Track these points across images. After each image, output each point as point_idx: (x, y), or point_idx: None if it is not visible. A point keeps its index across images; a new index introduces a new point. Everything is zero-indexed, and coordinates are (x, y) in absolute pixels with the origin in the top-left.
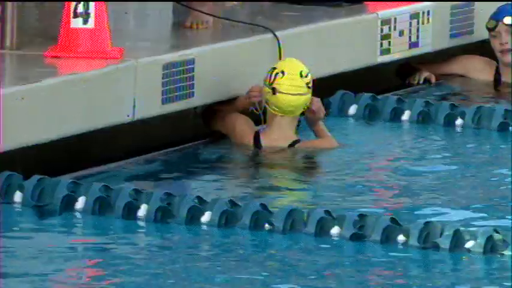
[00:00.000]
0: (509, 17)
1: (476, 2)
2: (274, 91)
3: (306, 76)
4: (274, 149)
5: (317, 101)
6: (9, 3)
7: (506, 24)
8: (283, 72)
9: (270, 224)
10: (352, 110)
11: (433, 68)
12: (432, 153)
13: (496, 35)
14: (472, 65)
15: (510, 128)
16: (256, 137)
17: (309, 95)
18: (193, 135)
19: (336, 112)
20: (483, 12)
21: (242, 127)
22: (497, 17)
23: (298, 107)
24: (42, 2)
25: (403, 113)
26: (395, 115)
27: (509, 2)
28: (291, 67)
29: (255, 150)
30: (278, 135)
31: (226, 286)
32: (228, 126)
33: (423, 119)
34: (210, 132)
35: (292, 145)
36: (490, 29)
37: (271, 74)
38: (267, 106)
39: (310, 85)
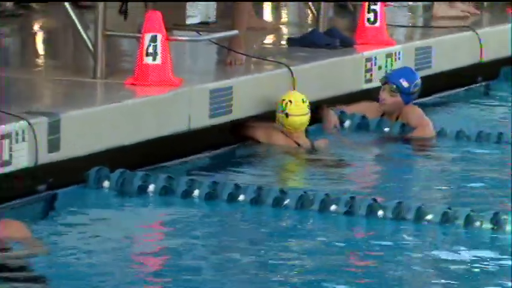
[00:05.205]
0: (393, 85)
1: (432, 45)
2: (287, 116)
3: (306, 102)
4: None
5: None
6: (99, 43)
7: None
8: (290, 101)
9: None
10: (346, 124)
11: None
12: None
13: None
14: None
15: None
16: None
17: (310, 114)
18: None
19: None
20: (439, 51)
21: (282, 138)
22: (392, 80)
23: (304, 123)
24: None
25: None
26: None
27: (406, 67)
28: (295, 97)
29: (280, 151)
30: (302, 143)
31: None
32: (268, 135)
33: None
34: (239, 139)
35: (312, 145)
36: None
37: (282, 104)
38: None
39: (309, 106)
